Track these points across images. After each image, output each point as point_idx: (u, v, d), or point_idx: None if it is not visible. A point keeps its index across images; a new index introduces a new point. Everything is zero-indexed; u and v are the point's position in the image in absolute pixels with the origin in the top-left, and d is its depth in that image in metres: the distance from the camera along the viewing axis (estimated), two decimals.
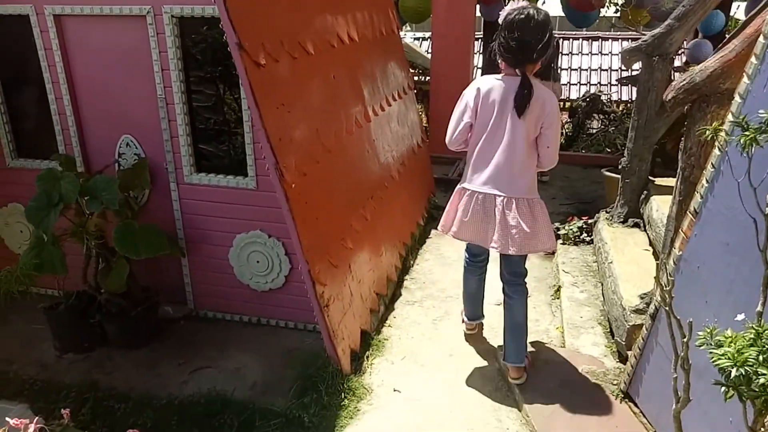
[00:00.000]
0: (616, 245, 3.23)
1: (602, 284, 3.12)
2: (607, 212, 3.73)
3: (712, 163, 1.69)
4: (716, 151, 1.67)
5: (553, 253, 3.87)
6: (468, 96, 2.46)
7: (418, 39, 14.82)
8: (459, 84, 6.21)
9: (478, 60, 8.82)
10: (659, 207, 3.09)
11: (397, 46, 4.41)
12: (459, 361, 2.71)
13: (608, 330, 2.80)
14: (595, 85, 12.60)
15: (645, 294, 2.59)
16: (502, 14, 2.31)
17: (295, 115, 2.45)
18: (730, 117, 1.60)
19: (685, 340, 1.30)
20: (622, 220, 3.53)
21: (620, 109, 11.06)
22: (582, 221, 3.92)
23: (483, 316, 2.91)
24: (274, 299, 2.87)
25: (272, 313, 2.92)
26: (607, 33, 13.47)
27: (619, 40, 13.65)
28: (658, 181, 3.55)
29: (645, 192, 3.43)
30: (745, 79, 1.54)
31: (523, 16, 2.23)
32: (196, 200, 2.84)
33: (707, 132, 1.25)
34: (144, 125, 2.84)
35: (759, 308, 1.33)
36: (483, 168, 2.39)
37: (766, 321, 1.23)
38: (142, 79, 2.75)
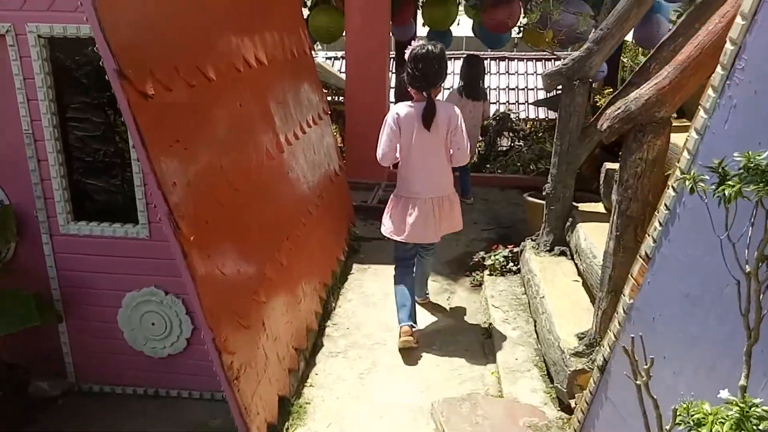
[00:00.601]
0: (545, 276, 3.10)
1: (535, 321, 2.97)
2: (533, 240, 3.62)
3: (666, 205, 1.54)
4: (670, 192, 1.52)
5: (480, 284, 3.72)
6: (390, 121, 2.97)
7: (330, 58, 14.63)
8: (375, 105, 6.03)
9: (393, 80, 8.69)
10: (587, 236, 2.99)
11: (310, 68, 4.13)
12: (390, 425, 2.42)
13: (545, 372, 2.63)
14: (504, 104, 12.99)
15: (583, 334, 2.45)
16: (408, 51, 2.88)
17: (193, 152, 2.09)
18: (685, 155, 1.46)
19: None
20: (548, 248, 3.43)
21: (528, 126, 11.42)
22: (507, 250, 3.80)
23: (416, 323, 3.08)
24: (175, 366, 2.45)
25: (173, 382, 2.50)
26: (513, 53, 13.97)
27: (525, 60, 14.20)
28: (582, 206, 3.49)
29: (570, 219, 3.35)
30: (701, 114, 1.40)
31: (424, 51, 2.83)
32: (75, 254, 2.38)
33: (686, 181, 1.06)
34: (7, 166, 2.36)
35: (742, 381, 1.16)
36: (414, 178, 3.00)
37: (750, 396, 1.05)
38: (3, 111, 2.28)
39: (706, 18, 3.29)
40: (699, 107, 1.42)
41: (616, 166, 3.44)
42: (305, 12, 6.63)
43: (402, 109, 2.93)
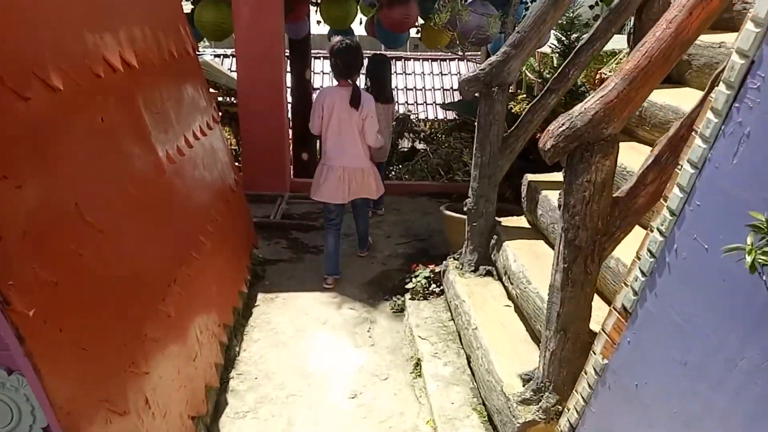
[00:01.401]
0: (474, 302, 2.83)
1: (469, 356, 2.67)
2: (455, 259, 3.34)
3: (650, 251, 1.26)
4: (656, 236, 1.25)
5: (402, 310, 3.39)
6: (319, 100, 3.59)
7: (219, 56, 13.72)
8: (272, 109, 5.50)
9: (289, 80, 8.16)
10: (516, 257, 2.75)
11: (195, 70, 3.56)
12: None
13: (486, 418, 2.34)
14: (403, 104, 12.86)
15: (527, 375, 2.18)
16: (329, 46, 3.59)
17: (31, 190, 1.54)
18: (676, 191, 1.18)
19: None
20: (473, 268, 3.17)
21: (427, 127, 11.36)
22: (428, 270, 3.50)
23: (339, 273, 3.84)
24: None
25: None
26: (409, 53, 13.89)
27: (420, 60, 14.18)
28: (505, 221, 3.27)
29: (495, 236, 3.10)
30: (699, 143, 1.13)
31: (343, 45, 3.49)
32: None
33: (732, 248, 0.76)
34: None
35: None
36: (333, 150, 3.60)
37: None
38: None
39: (621, 22, 3.21)
40: (694, 134, 1.15)
41: (538, 177, 3.27)
42: (187, 6, 5.95)
43: (328, 91, 3.63)
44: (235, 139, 12.68)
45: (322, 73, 13.60)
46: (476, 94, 3.00)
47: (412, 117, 10.75)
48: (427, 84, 13.70)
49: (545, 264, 2.64)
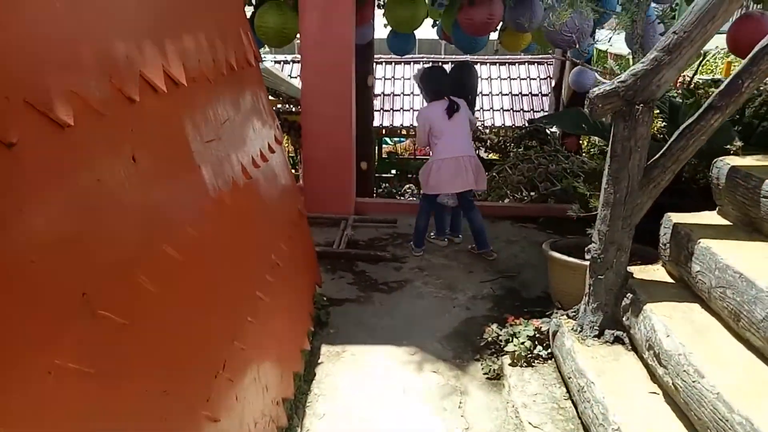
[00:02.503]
0: (607, 386, 2.16)
1: None
2: (569, 317, 2.67)
3: None
4: None
5: (498, 377, 2.74)
6: (424, 120, 4.12)
7: (279, 62, 13.47)
8: (338, 123, 4.96)
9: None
10: (669, 330, 2.06)
11: (257, 83, 3.04)
12: None
13: None
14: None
15: None
16: (417, 74, 4.28)
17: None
18: None
19: None
20: (596, 332, 2.49)
21: (494, 135, 10.60)
22: (531, 326, 2.84)
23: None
24: None
25: None
26: (479, 57, 13.18)
27: (488, 64, 13.43)
28: (637, 271, 2.57)
29: (629, 294, 2.41)
30: None
31: (434, 71, 4.26)
32: None
33: None
34: None
35: None
36: (448, 143, 4.02)
37: None
38: None
39: None
40: None
41: (688, 219, 2.56)
42: (248, 10, 5.52)
43: (433, 108, 4.09)
44: (293, 148, 12.40)
45: (383, 78, 13.11)
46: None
47: (477, 125, 10.08)
48: (493, 89, 12.96)
49: (714, 344, 1.95)
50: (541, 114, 11.82)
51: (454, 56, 13.90)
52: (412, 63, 13.49)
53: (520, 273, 3.94)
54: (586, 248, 2.54)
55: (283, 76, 11.34)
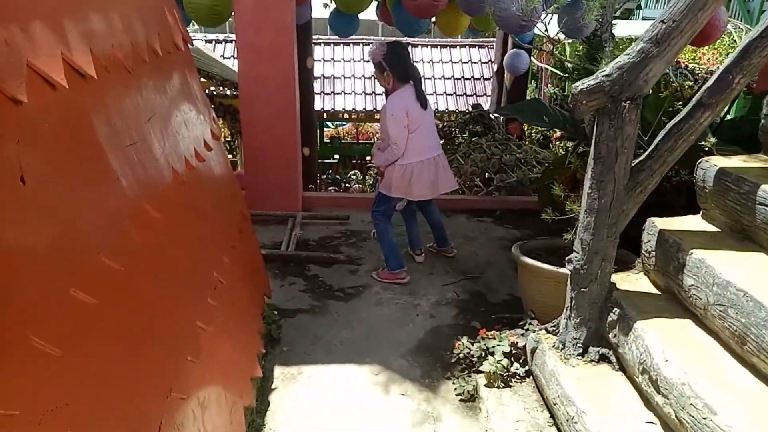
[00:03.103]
0: (598, 414, 1.95)
1: None
2: (548, 331, 2.46)
3: None
4: None
5: (473, 397, 2.50)
6: (400, 111, 3.33)
7: (210, 42, 12.69)
8: (281, 111, 4.52)
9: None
10: (666, 353, 1.86)
11: (188, 70, 2.62)
12: None
13: None
14: None
15: None
16: (377, 51, 3.39)
17: None
18: None
19: None
20: (580, 350, 2.28)
21: (443, 121, 10.40)
22: (507, 341, 2.60)
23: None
24: None
25: None
26: (420, 39, 12.88)
27: (428, 47, 13.17)
28: (622, 279, 2.38)
29: (615, 308, 2.21)
30: None
31: (400, 47, 3.45)
32: None
33: None
34: None
35: None
36: (420, 143, 3.43)
37: None
38: None
39: None
40: None
41: (675, 225, 2.38)
42: None
43: (400, 98, 3.37)
44: (230, 132, 11.74)
45: (323, 60, 12.62)
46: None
47: None
48: (435, 72, 12.73)
49: (718, 370, 1.77)
50: (485, 98, 11.71)
51: (393, 38, 13.55)
52: (351, 44, 13.06)
53: (482, 273, 3.72)
54: (566, 258, 2.32)
55: (216, 56, 10.64)
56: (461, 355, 2.65)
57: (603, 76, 2.03)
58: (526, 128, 8.88)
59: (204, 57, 9.64)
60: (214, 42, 12.65)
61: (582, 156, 3.60)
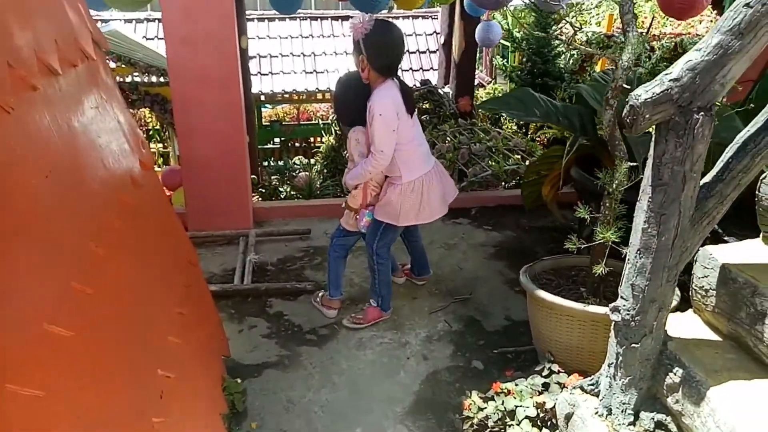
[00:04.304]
0: None
1: None
2: (585, 391, 2.01)
3: None
4: None
5: None
6: (390, 114, 2.57)
7: (130, 21, 11.47)
8: (223, 111, 3.71)
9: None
10: None
11: (104, 88, 1.94)
12: None
13: None
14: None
15: None
16: (359, 28, 2.55)
17: None
18: None
19: None
20: (631, 418, 1.86)
21: None
22: (527, 396, 2.15)
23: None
24: None
25: None
26: (353, 12, 12.13)
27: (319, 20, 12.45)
28: (678, 326, 1.95)
29: (676, 368, 1.78)
30: None
31: (390, 28, 2.66)
32: None
33: None
34: None
35: None
36: (418, 155, 2.75)
37: None
38: None
39: None
40: None
41: (730, 254, 1.96)
42: None
43: (386, 96, 2.60)
44: (159, 123, 10.70)
45: (257, 38, 11.69)
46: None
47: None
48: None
49: None
50: (431, 73, 11.19)
51: (332, 11, 12.79)
52: (288, 19, 12.16)
53: (472, 293, 3.26)
54: (611, 306, 1.86)
55: (138, 39, 9.56)
56: (474, 420, 2.17)
57: (670, 80, 1.55)
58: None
59: (124, 41, 8.60)
60: (134, 22, 11.43)
61: (577, 150, 3.18)
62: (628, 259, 1.79)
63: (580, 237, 2.20)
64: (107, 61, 2.05)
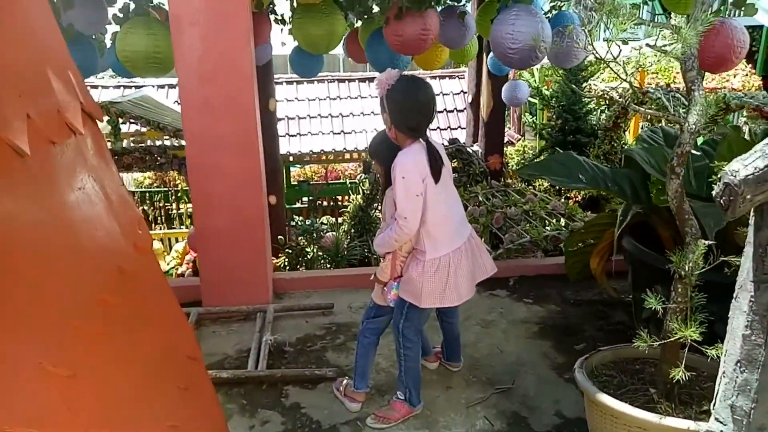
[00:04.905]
0: None
1: None
2: None
3: None
4: None
5: None
6: (414, 177, 2.31)
7: (162, 87, 11.77)
8: (241, 179, 3.17)
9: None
10: None
11: (94, 169, 1.72)
12: None
13: None
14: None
15: None
16: (385, 84, 2.33)
17: None
18: None
19: None
20: None
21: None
22: None
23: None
24: None
25: None
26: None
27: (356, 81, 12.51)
28: None
29: None
30: None
31: (421, 84, 2.39)
32: None
33: None
34: None
35: None
36: (452, 224, 2.46)
37: None
38: None
39: None
40: None
41: None
42: (113, 29, 4.09)
43: (412, 158, 2.32)
44: (186, 183, 10.74)
45: (285, 100, 11.83)
46: None
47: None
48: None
49: None
50: (459, 131, 11.06)
51: (359, 73, 12.91)
52: (315, 82, 12.33)
53: (515, 382, 2.87)
54: (704, 431, 1.49)
55: (168, 103, 9.72)
56: None
57: (763, 154, 1.23)
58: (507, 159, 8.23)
59: (155, 106, 8.76)
60: (167, 87, 11.71)
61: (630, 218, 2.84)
62: (724, 372, 1.43)
63: (637, 320, 1.85)
64: (102, 133, 1.83)
